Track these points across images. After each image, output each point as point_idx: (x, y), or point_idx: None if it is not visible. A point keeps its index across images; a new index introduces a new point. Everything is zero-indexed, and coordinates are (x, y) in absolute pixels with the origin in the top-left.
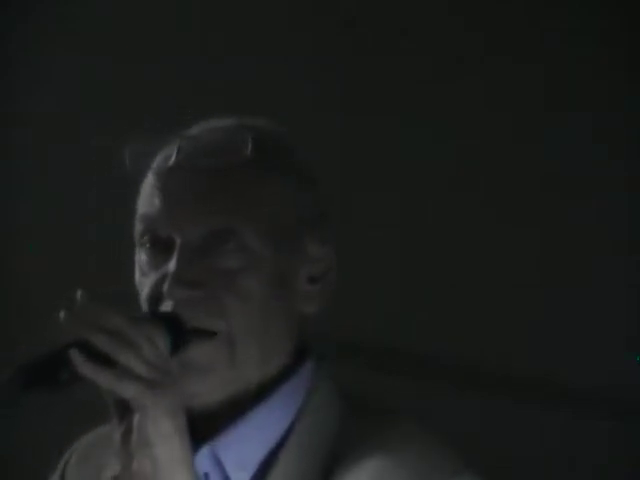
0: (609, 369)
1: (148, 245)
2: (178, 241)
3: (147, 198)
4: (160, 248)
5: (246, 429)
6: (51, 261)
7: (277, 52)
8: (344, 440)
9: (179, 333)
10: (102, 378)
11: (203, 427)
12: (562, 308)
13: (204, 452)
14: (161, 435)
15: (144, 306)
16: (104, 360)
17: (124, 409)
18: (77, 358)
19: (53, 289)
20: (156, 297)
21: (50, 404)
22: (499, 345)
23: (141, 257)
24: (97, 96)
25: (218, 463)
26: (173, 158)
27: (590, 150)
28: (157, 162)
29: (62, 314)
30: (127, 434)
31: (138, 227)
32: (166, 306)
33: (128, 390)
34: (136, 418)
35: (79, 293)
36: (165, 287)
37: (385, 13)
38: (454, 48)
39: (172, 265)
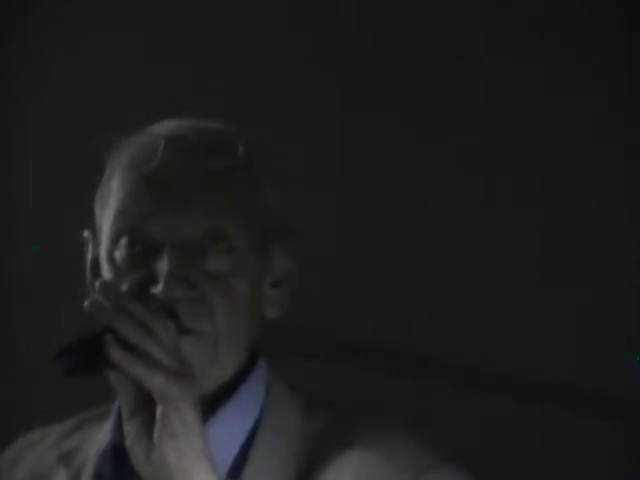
0: (609, 369)
1: (126, 243)
2: (170, 241)
3: (127, 195)
4: (142, 247)
5: (217, 428)
6: (51, 261)
7: (277, 52)
8: (312, 435)
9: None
10: (132, 367)
11: None
12: (562, 308)
13: None
14: (186, 426)
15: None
16: (132, 348)
17: (141, 401)
18: (111, 345)
19: (53, 289)
20: (139, 296)
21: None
22: (499, 345)
23: (116, 255)
24: (97, 96)
25: None
26: (159, 156)
27: (590, 150)
28: (135, 159)
29: (87, 302)
30: (145, 427)
31: (113, 224)
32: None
33: (156, 380)
34: (160, 410)
35: (101, 282)
36: (159, 287)
37: (385, 13)
38: (454, 48)
39: (165, 265)
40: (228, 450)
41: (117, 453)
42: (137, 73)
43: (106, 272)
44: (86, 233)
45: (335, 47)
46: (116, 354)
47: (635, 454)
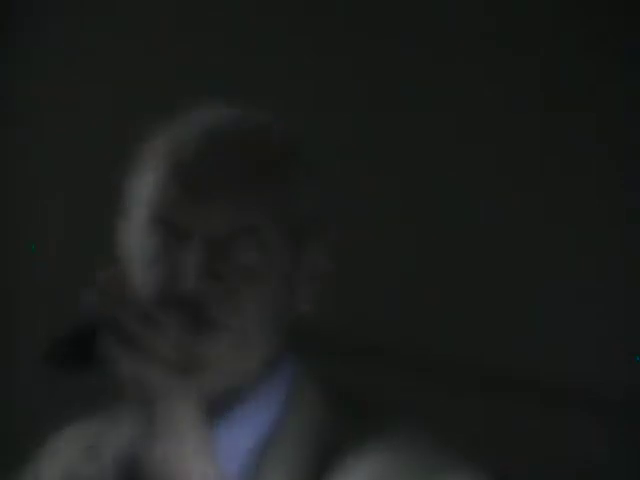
0: (609, 369)
1: (155, 233)
2: (199, 233)
3: (157, 184)
4: (172, 237)
5: (236, 421)
6: (51, 261)
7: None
8: (334, 432)
9: (199, 322)
10: (132, 359)
11: None
12: (562, 308)
13: None
14: (188, 421)
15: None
16: (132, 340)
17: (145, 394)
18: (109, 337)
19: (54, 289)
20: (165, 287)
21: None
22: (499, 345)
23: (144, 244)
24: (97, 96)
25: None
26: (192, 146)
27: (590, 150)
28: (168, 147)
29: (89, 292)
30: (148, 420)
31: (143, 213)
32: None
33: (157, 373)
34: (162, 403)
35: (108, 274)
36: (185, 279)
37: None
38: (452, 47)
39: (193, 257)
40: (245, 443)
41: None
42: (137, 73)
43: (135, 261)
44: (120, 221)
45: (335, 45)
46: (114, 348)
47: (635, 454)
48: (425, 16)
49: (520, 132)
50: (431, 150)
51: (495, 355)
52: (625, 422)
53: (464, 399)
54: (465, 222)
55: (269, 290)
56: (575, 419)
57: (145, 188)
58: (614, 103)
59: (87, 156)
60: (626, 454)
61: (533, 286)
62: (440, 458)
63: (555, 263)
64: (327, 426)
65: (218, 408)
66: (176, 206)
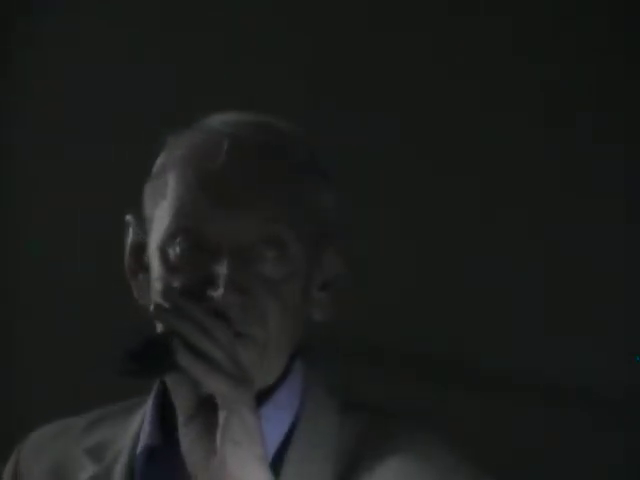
0: (609, 369)
1: (183, 242)
2: (229, 245)
3: (186, 193)
4: (198, 247)
5: None
6: (51, 262)
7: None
8: (349, 438)
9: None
10: (198, 370)
11: None
12: (562, 308)
13: None
14: (248, 433)
15: (168, 298)
16: (197, 353)
17: (200, 405)
18: (179, 348)
19: (53, 289)
20: (191, 294)
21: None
22: (499, 345)
23: (169, 251)
24: (98, 96)
25: None
26: (222, 156)
27: (590, 151)
28: (196, 155)
29: (153, 306)
30: (206, 431)
31: (171, 221)
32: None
33: (219, 384)
34: (222, 415)
35: (165, 287)
36: (218, 291)
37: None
38: (452, 49)
39: (224, 269)
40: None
41: (152, 453)
42: (137, 74)
43: (157, 265)
44: (128, 217)
45: (335, 44)
46: (184, 357)
47: (635, 454)
48: (425, 17)
49: (520, 133)
50: (431, 152)
51: (495, 356)
52: (625, 422)
53: (463, 399)
54: (465, 225)
55: (293, 301)
56: (575, 419)
57: (171, 195)
58: (614, 103)
59: (85, 156)
60: (626, 454)
61: (533, 287)
62: (462, 466)
63: (555, 264)
64: (343, 428)
65: None
66: (206, 217)
